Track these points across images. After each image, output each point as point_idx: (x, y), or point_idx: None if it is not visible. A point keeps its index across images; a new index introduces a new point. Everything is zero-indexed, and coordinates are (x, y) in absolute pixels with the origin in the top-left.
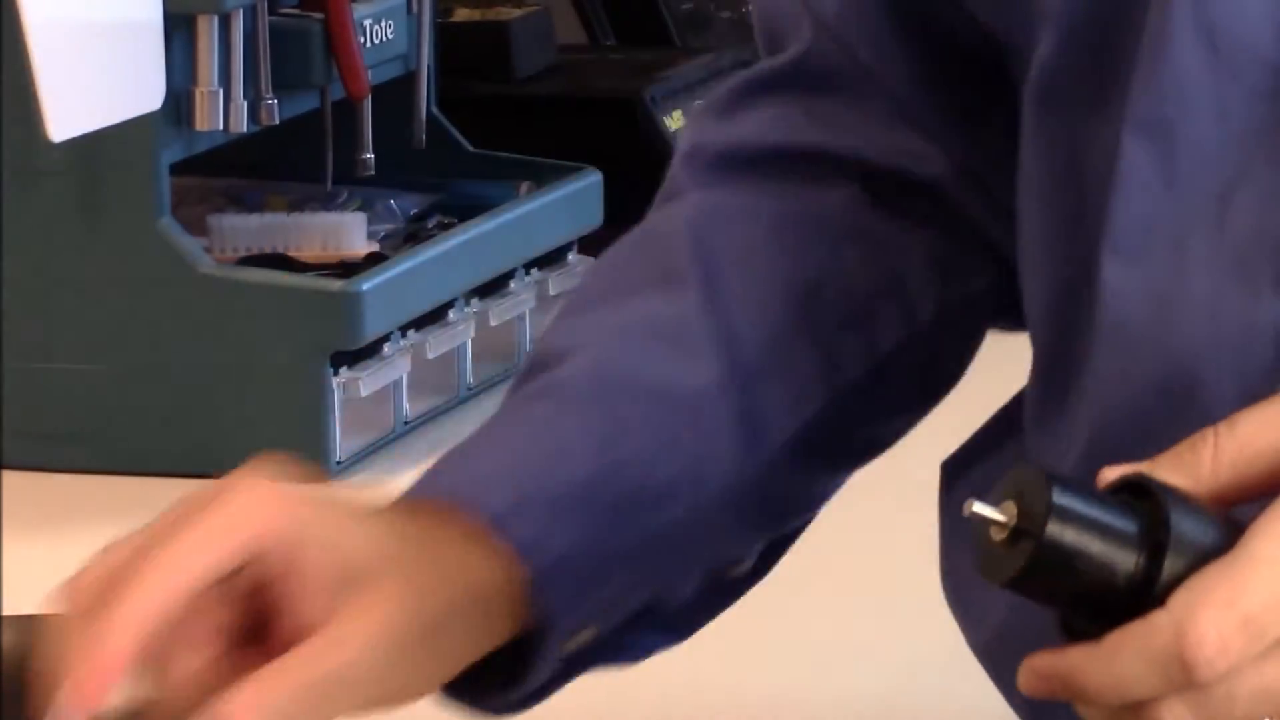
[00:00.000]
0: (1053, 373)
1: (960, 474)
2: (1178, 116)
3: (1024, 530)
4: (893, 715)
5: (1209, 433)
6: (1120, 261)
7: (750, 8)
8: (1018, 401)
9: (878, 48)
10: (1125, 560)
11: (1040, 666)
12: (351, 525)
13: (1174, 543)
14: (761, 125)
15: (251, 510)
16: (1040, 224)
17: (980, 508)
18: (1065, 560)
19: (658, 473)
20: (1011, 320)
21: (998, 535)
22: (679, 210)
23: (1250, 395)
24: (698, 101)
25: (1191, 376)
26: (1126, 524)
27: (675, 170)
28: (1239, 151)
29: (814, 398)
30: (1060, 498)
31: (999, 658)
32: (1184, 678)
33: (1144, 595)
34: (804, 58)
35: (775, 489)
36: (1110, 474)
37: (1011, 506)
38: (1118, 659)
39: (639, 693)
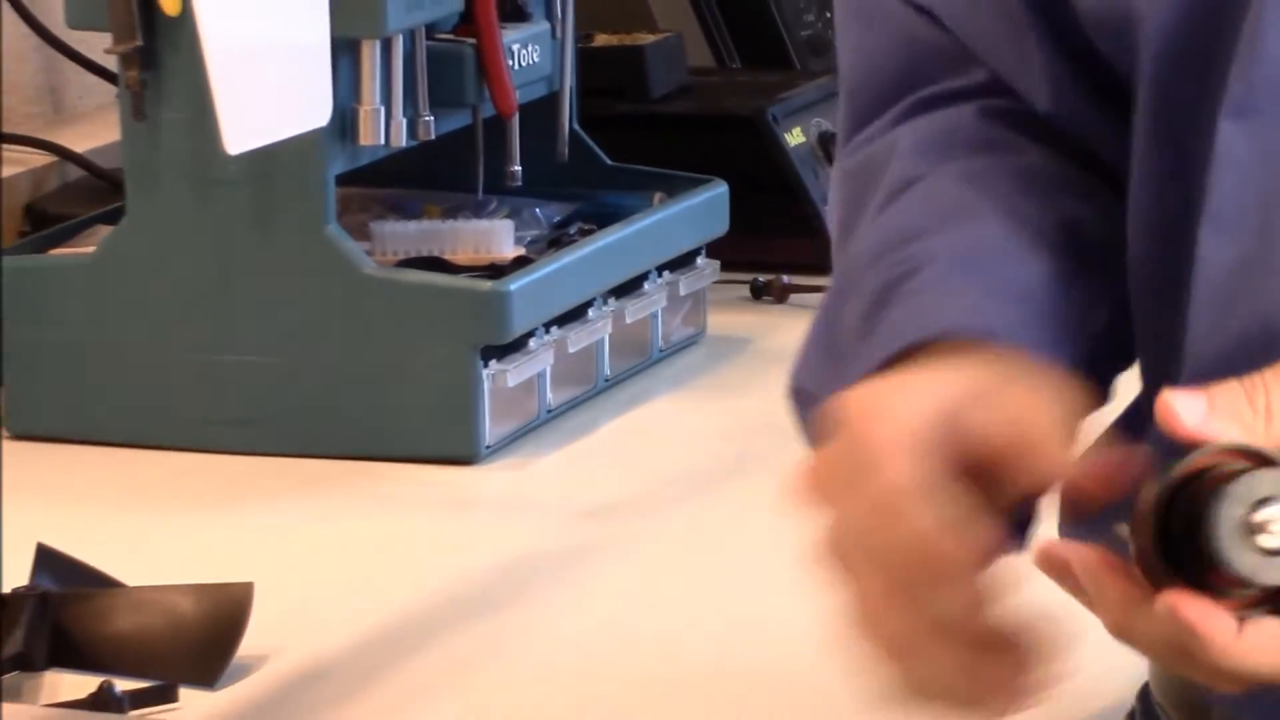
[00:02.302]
0: (1154, 329)
1: None
2: (1269, 102)
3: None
4: None
5: (1258, 380)
6: (1215, 233)
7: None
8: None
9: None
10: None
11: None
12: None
13: None
14: (955, 108)
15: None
16: (1146, 203)
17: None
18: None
19: (1082, 285)
20: None
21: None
22: (938, 174)
23: None
24: (816, 120)
25: (1273, 333)
26: None
27: (898, 149)
28: None
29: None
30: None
31: None
32: None
33: None
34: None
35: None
36: (1184, 413)
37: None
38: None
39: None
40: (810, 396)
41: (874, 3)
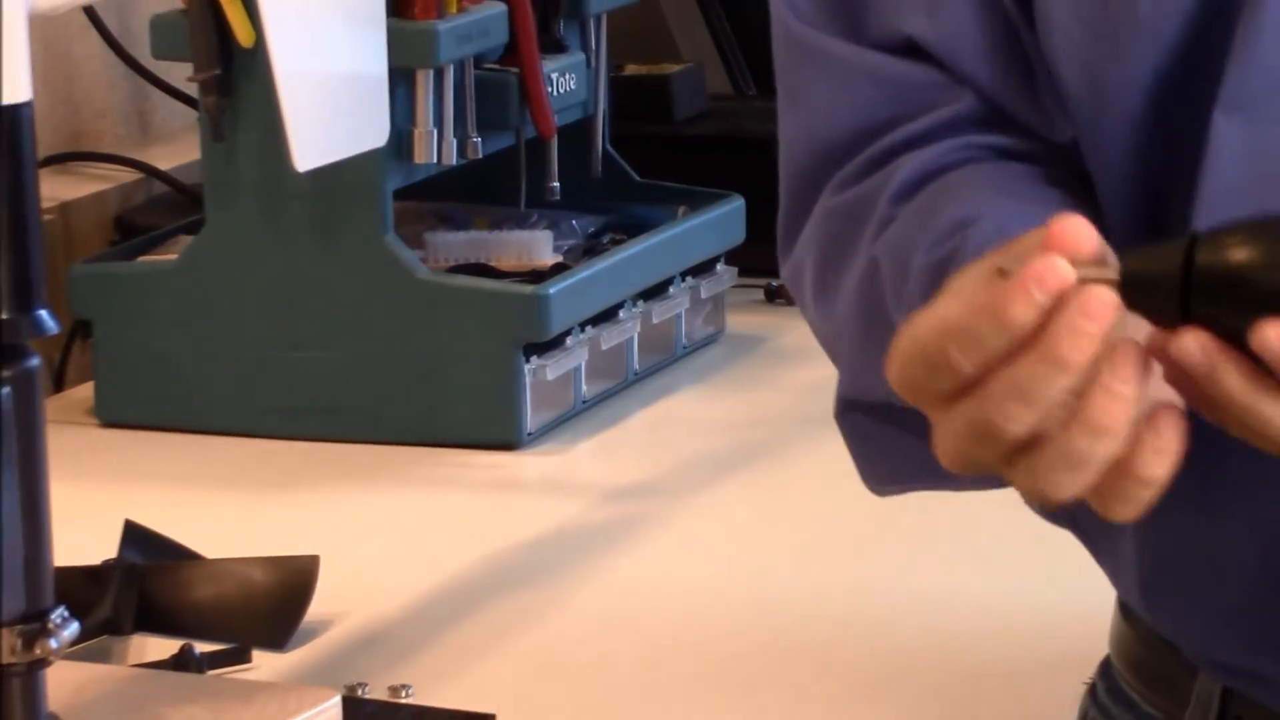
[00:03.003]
0: None
1: None
2: (1263, 96)
3: None
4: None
5: None
6: (1213, 215)
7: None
8: None
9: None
10: None
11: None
12: None
13: None
14: (940, 145)
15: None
16: (1132, 190)
17: None
18: None
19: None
20: None
21: None
22: (948, 177)
23: None
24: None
25: None
26: None
27: (891, 182)
28: None
29: None
30: None
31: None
32: None
33: None
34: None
35: None
36: None
37: None
38: None
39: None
40: (868, 406)
41: (827, 51)
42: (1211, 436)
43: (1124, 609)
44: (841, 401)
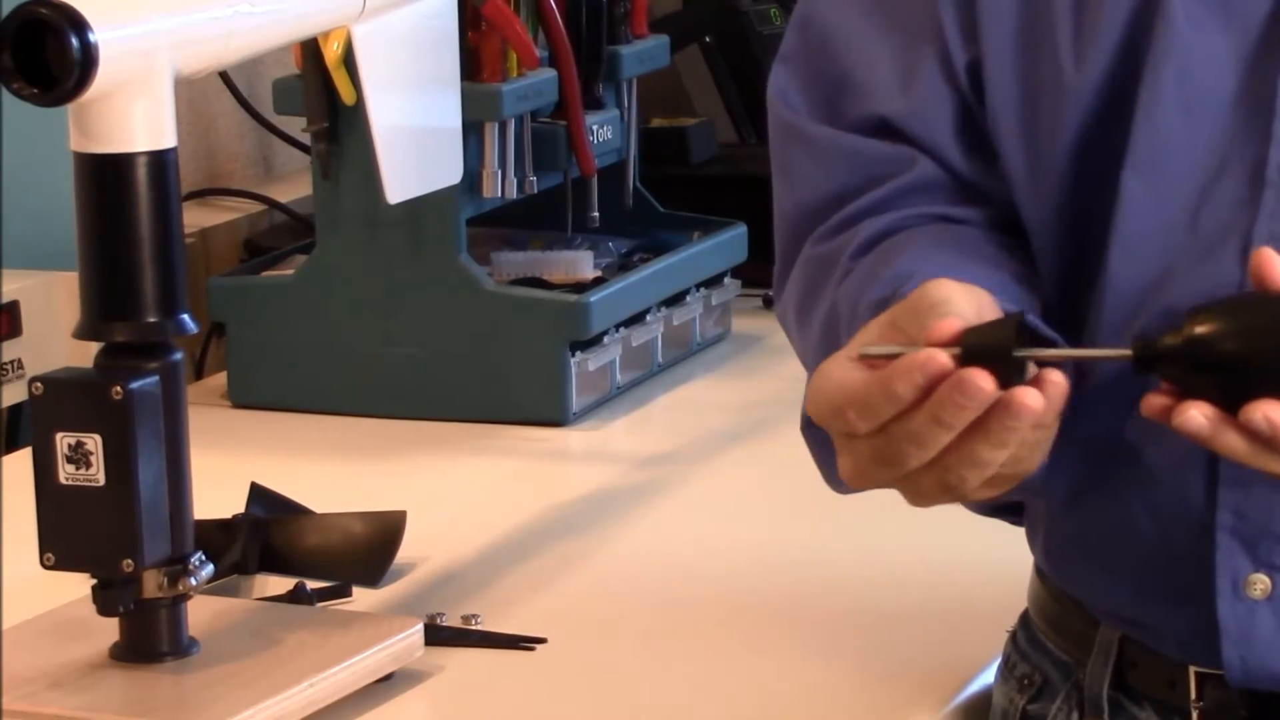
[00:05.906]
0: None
1: None
2: (1162, 158)
3: None
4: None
5: None
6: (1125, 259)
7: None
8: None
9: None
10: None
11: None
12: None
13: None
14: (897, 213)
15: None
16: (1060, 240)
17: None
18: None
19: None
20: None
21: None
22: (898, 236)
23: None
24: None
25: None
26: None
27: (854, 241)
28: (1204, 176)
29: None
30: None
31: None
32: None
33: None
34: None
35: None
36: None
37: None
38: None
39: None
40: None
41: (810, 134)
42: (1115, 447)
43: (1039, 571)
44: (805, 417)
